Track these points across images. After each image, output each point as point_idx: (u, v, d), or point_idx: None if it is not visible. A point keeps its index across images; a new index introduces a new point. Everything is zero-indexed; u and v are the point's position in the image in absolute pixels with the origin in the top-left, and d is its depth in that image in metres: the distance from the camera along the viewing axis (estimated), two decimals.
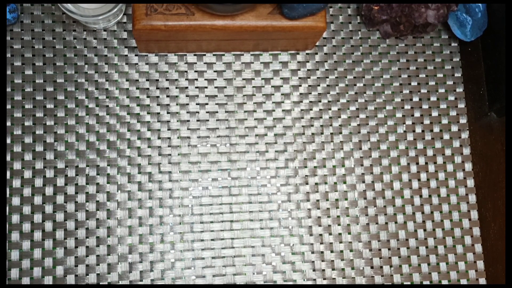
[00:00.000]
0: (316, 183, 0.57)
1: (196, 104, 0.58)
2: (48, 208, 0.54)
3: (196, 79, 0.58)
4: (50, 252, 0.53)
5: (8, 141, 0.55)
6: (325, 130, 0.59)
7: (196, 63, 0.58)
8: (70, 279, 0.53)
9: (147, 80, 0.57)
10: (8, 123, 0.55)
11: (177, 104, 0.57)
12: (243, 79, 0.59)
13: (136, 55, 0.58)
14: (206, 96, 0.58)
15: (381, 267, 0.56)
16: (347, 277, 0.56)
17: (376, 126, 0.59)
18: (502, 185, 0.59)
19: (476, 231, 0.58)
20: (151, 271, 0.54)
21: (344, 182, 0.58)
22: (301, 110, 0.59)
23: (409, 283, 0.56)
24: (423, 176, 0.59)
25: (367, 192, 0.58)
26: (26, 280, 0.52)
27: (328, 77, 0.60)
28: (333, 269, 0.56)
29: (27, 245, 0.53)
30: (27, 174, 0.54)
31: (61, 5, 0.51)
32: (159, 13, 0.50)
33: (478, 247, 0.58)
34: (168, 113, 0.57)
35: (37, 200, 0.54)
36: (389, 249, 0.57)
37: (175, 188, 0.56)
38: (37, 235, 0.53)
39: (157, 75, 0.58)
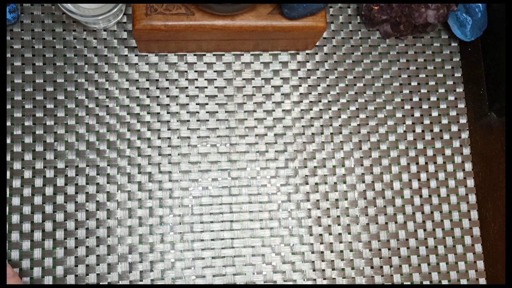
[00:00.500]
0: (316, 183, 0.57)
1: (196, 104, 0.58)
2: (48, 208, 0.54)
3: (196, 79, 0.58)
4: (50, 252, 0.53)
5: (8, 141, 0.55)
6: (325, 130, 0.59)
7: (196, 63, 0.58)
8: (70, 279, 0.53)
9: (147, 80, 0.57)
10: (8, 123, 0.55)
11: (177, 104, 0.57)
12: (243, 79, 0.59)
13: (136, 55, 0.58)
14: (206, 96, 0.58)
15: (381, 267, 0.56)
16: (347, 277, 0.56)
17: (376, 126, 0.59)
18: (502, 185, 0.59)
19: (476, 231, 0.58)
20: (151, 271, 0.54)
21: (344, 182, 0.58)
22: (301, 110, 0.59)
23: (409, 283, 0.56)
24: (423, 176, 0.59)
25: (367, 192, 0.58)
26: (26, 280, 0.52)
27: (328, 77, 0.60)
28: (333, 269, 0.56)
29: (27, 245, 0.53)
30: (27, 174, 0.54)
31: (61, 5, 0.51)
32: (159, 13, 0.50)
33: (478, 247, 0.58)
34: (168, 113, 0.57)
35: (37, 200, 0.54)
36: (389, 249, 0.57)
37: (175, 188, 0.56)
38: (37, 235, 0.53)
39: (157, 75, 0.58)
